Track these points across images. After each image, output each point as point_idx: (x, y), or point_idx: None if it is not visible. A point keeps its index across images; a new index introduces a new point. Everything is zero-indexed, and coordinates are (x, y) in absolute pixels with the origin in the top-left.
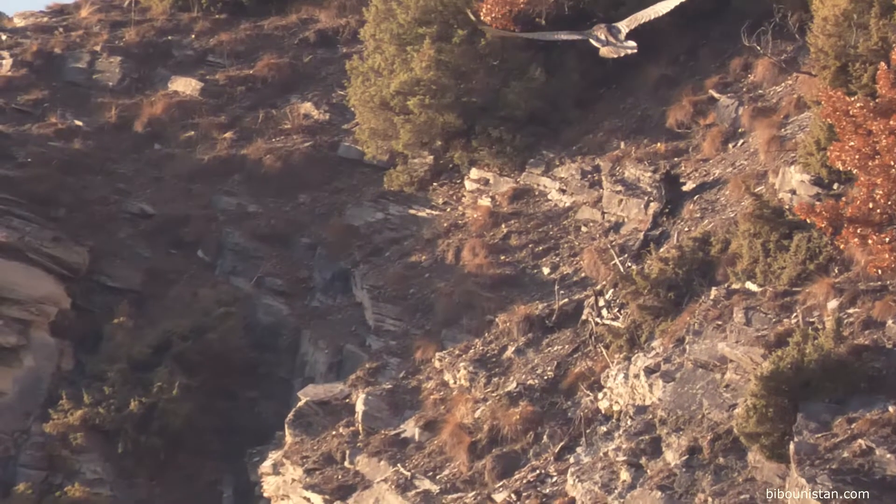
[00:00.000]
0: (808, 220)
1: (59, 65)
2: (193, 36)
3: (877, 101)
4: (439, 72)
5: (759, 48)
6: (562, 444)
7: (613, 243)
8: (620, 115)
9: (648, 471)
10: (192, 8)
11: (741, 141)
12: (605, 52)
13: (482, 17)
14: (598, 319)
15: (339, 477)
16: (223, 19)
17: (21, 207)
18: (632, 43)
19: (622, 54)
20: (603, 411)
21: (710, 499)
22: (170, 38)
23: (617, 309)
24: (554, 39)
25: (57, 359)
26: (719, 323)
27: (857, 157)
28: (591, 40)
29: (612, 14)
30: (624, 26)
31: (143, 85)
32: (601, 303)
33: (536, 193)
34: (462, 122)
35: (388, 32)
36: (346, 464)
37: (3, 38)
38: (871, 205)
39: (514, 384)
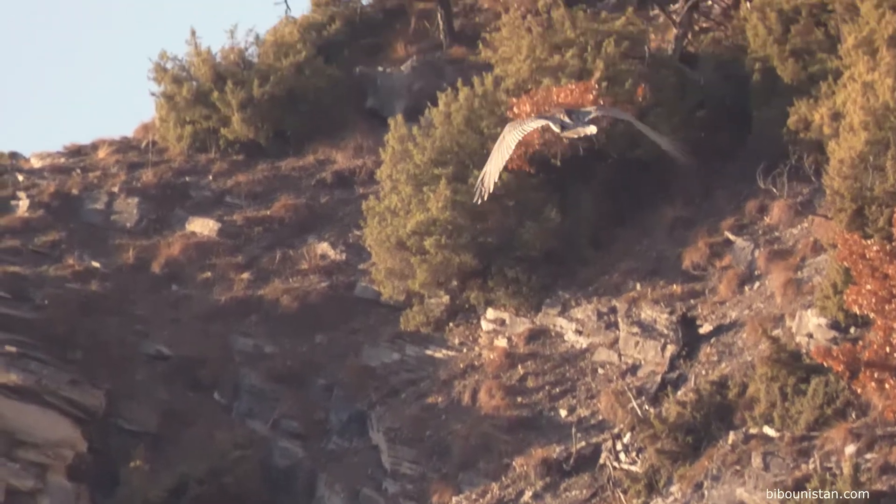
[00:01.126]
0: (826, 364)
1: (77, 206)
2: (211, 177)
3: (893, 244)
4: (455, 212)
5: (774, 190)
6: None
7: (631, 386)
8: (636, 255)
9: None
10: (210, 149)
11: (757, 283)
12: (566, 133)
13: None
14: (615, 464)
15: None
16: (240, 160)
17: (38, 350)
18: (592, 128)
19: (582, 135)
20: None
21: None
22: (187, 178)
23: (635, 453)
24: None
25: (74, 503)
26: (738, 468)
27: (873, 300)
28: (551, 123)
29: (627, 154)
30: (592, 110)
31: (160, 226)
32: (619, 446)
33: (553, 334)
34: (478, 262)
35: (405, 173)
36: None
37: (20, 178)
38: (888, 349)
39: None
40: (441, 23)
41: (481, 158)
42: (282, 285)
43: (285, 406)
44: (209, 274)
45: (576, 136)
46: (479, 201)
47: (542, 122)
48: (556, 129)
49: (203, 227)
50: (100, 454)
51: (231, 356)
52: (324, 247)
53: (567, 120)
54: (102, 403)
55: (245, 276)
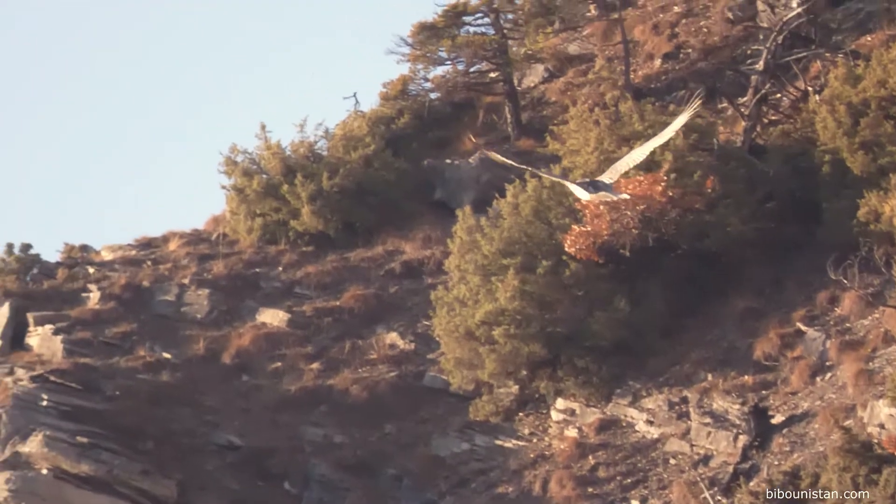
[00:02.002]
0: None
1: (147, 298)
2: (281, 268)
3: None
4: (524, 302)
5: (845, 281)
6: None
7: (703, 476)
8: (707, 346)
9: None
10: (280, 241)
11: (829, 374)
12: (594, 198)
13: (567, 248)
14: None
15: None
16: (310, 252)
17: (109, 440)
18: (625, 195)
19: (613, 199)
20: None
21: None
22: (257, 270)
23: None
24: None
25: None
26: None
27: None
28: (575, 188)
29: (697, 245)
30: (607, 178)
31: (231, 317)
32: None
33: (624, 424)
34: (547, 352)
35: (473, 263)
36: None
37: (91, 271)
38: None
39: None
40: (509, 115)
41: (549, 249)
42: (351, 375)
43: (355, 496)
44: (279, 364)
45: (609, 201)
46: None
47: (563, 180)
48: (580, 195)
49: (273, 317)
50: None
51: (301, 446)
52: (393, 337)
53: (592, 189)
54: (174, 494)
55: (315, 366)
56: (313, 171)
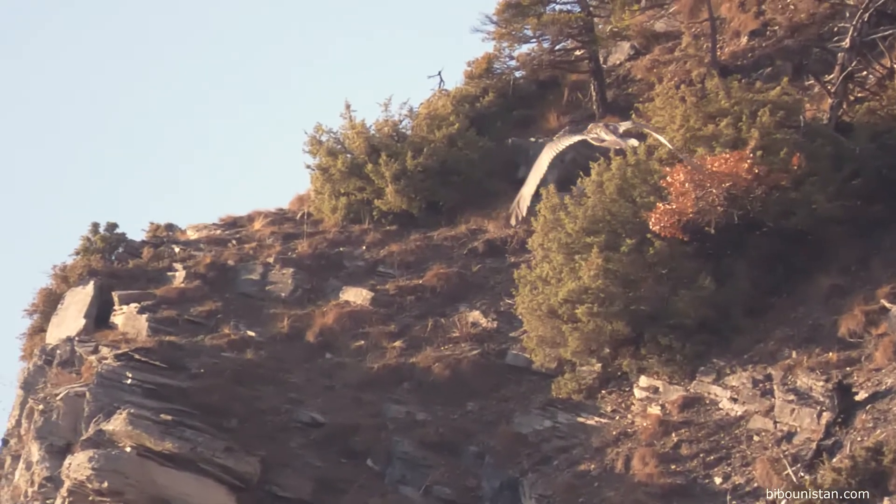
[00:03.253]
0: None
1: (232, 276)
2: (364, 247)
3: None
4: (607, 280)
5: None
6: None
7: (786, 453)
8: (791, 324)
9: None
10: (364, 220)
11: None
12: (608, 143)
13: (651, 226)
14: None
15: None
16: (393, 231)
17: (193, 418)
18: (633, 140)
19: (621, 146)
20: None
21: None
22: (341, 249)
23: None
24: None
25: None
26: None
27: None
28: (590, 139)
29: (783, 223)
30: (623, 126)
31: (314, 295)
32: None
33: (707, 402)
34: (630, 330)
35: (556, 242)
36: None
37: (177, 250)
38: None
39: None
40: (594, 93)
41: (634, 227)
42: (433, 353)
43: (438, 473)
44: (362, 342)
45: (617, 147)
46: (515, 223)
47: (578, 138)
48: (594, 142)
49: (356, 296)
50: None
51: (384, 424)
52: (475, 315)
53: (604, 135)
54: (257, 471)
55: (397, 344)
56: (397, 150)
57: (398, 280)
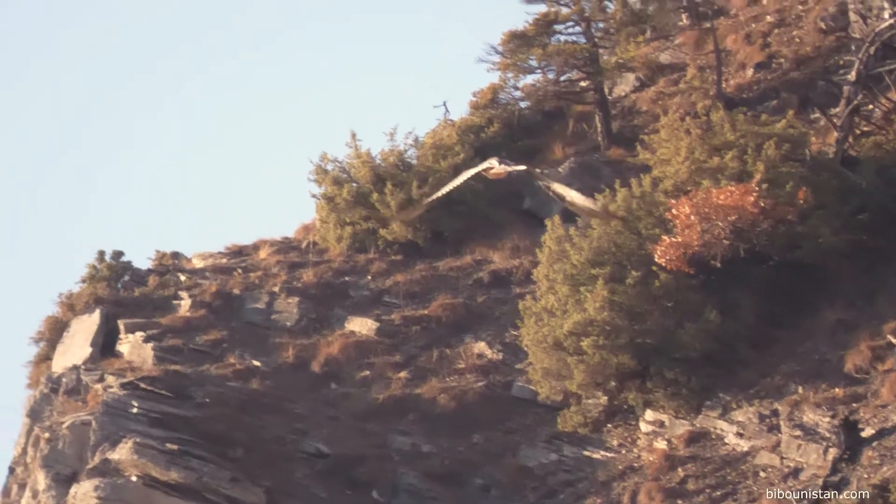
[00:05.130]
0: None
1: (238, 305)
2: (370, 277)
3: None
4: (613, 312)
5: None
6: None
7: (793, 489)
8: (797, 358)
9: None
10: (369, 249)
11: None
12: (493, 173)
13: (657, 259)
14: None
15: None
16: (399, 260)
17: (199, 447)
18: (522, 167)
19: (510, 170)
20: None
21: None
22: (347, 278)
23: None
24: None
25: None
26: None
27: None
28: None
29: (788, 256)
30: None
31: (320, 325)
32: None
33: (713, 437)
34: (636, 363)
35: (562, 273)
36: None
37: (183, 278)
38: None
39: None
40: (599, 124)
41: (639, 259)
42: (439, 384)
43: None
44: (367, 372)
45: (513, 171)
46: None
47: (486, 164)
48: (497, 165)
49: (362, 326)
50: None
51: (389, 454)
52: (481, 346)
53: (496, 163)
54: (262, 501)
55: (403, 374)
56: (403, 179)
57: (403, 310)
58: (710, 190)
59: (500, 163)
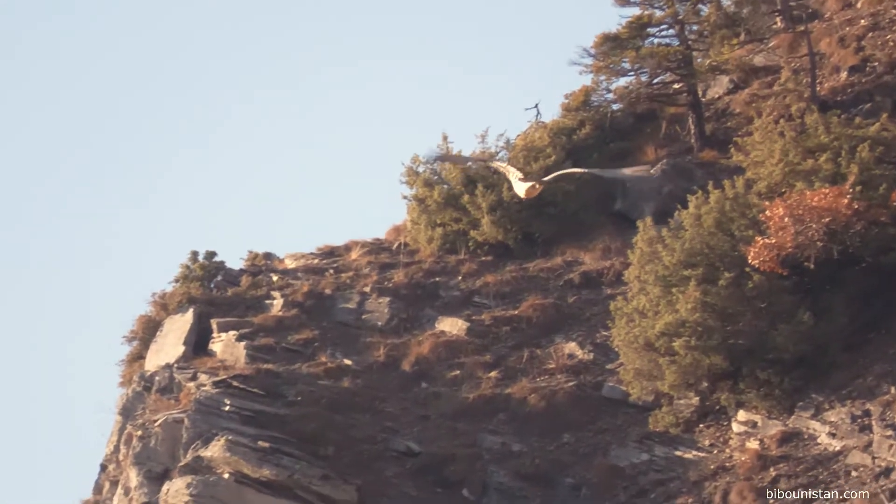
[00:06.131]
0: None
1: (329, 305)
2: (460, 277)
3: None
4: (705, 314)
5: None
6: None
7: (884, 488)
8: (890, 360)
9: None
10: (459, 250)
11: None
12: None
13: (750, 260)
14: None
15: None
16: (489, 261)
17: (290, 445)
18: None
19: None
20: None
21: None
22: (437, 279)
23: None
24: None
25: None
26: None
27: None
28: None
29: (881, 258)
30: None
31: (410, 325)
32: None
33: (805, 437)
34: (728, 364)
35: (653, 274)
36: None
37: (275, 278)
38: None
39: None
40: (692, 127)
41: (732, 260)
42: (529, 384)
43: None
44: (458, 372)
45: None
46: None
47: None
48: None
49: (452, 326)
50: None
51: (479, 454)
52: (571, 346)
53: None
54: (354, 499)
55: (493, 374)
56: (493, 181)
57: (494, 310)
58: (803, 192)
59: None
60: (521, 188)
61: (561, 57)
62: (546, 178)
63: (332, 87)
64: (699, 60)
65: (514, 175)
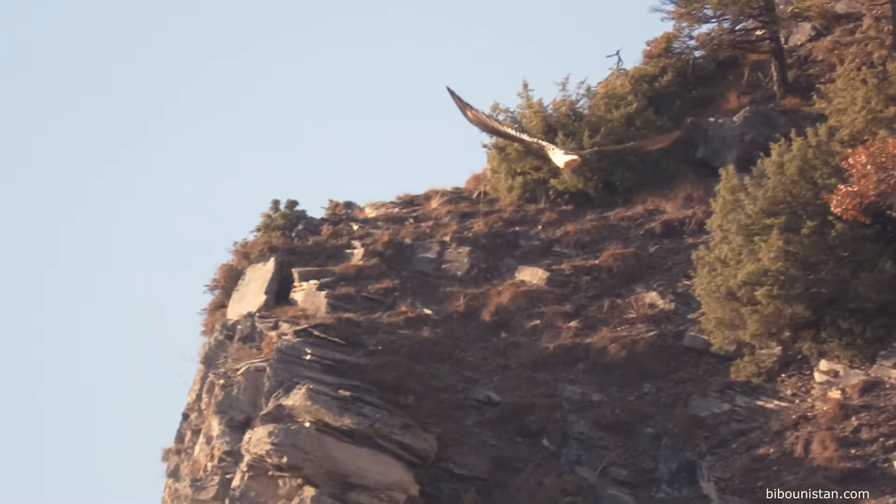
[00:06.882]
0: None
1: (409, 254)
2: (540, 227)
3: None
4: (787, 262)
5: None
6: None
7: None
8: None
9: None
10: (539, 199)
11: None
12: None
13: (832, 209)
14: None
15: None
16: (569, 210)
17: (370, 394)
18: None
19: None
20: None
21: None
22: (517, 228)
23: None
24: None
25: None
26: None
27: None
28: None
29: None
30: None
31: (490, 274)
32: None
33: (888, 386)
34: (811, 314)
35: (736, 223)
36: None
37: (355, 227)
38: None
39: None
40: (775, 74)
41: (814, 209)
42: (609, 334)
43: (614, 454)
44: (537, 322)
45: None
46: None
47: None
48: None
49: (532, 275)
50: (431, 498)
51: (559, 403)
52: (652, 296)
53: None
54: (434, 448)
55: (573, 324)
56: (574, 129)
57: (573, 260)
58: (886, 139)
59: (566, 153)
60: (561, 159)
61: (643, 3)
62: (584, 152)
63: (417, 34)
64: (781, 7)
65: (550, 149)
